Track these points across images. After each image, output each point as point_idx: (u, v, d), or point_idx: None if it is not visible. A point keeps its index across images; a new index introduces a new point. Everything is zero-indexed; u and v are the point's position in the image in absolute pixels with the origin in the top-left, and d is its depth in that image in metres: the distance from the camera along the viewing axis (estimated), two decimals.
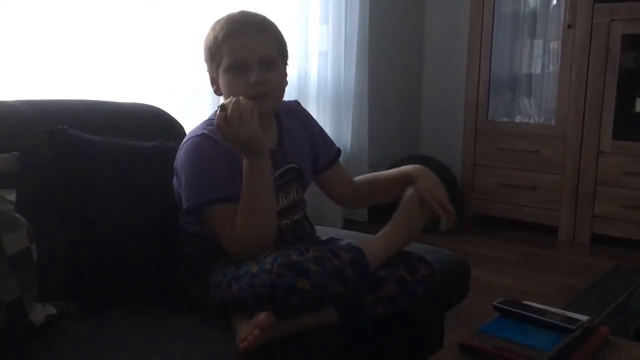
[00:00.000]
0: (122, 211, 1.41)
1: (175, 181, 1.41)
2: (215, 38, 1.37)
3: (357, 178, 1.63)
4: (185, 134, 1.74)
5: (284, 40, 1.44)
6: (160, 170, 1.49)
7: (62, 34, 2.15)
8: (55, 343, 1.15)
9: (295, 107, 1.57)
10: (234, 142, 1.25)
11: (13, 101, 1.46)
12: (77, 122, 1.47)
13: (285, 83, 1.45)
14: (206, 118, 1.46)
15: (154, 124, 1.67)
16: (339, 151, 1.61)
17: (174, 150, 1.53)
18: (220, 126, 1.23)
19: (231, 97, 1.25)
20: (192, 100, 2.59)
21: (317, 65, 3.29)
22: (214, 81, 1.43)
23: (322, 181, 1.60)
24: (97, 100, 1.65)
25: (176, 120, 1.76)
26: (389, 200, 1.54)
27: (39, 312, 1.17)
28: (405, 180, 1.48)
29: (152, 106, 1.75)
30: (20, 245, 1.13)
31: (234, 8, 1.43)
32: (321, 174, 1.58)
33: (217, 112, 1.26)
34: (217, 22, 1.40)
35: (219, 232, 1.32)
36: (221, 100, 1.38)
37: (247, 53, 1.35)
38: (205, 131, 1.36)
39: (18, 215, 1.15)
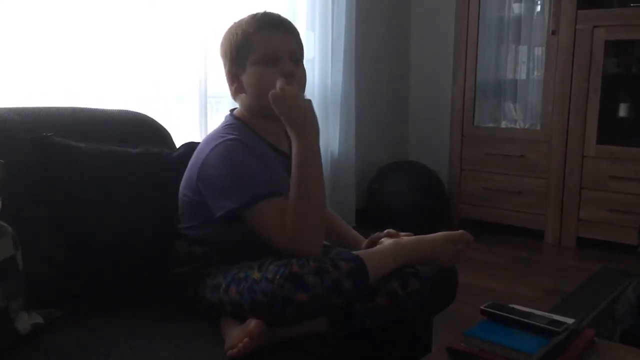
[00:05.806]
0: (108, 217, 1.41)
1: (184, 188, 1.39)
2: (245, 32, 1.38)
3: None
4: (172, 141, 1.74)
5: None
6: (146, 176, 1.48)
7: (47, 41, 2.14)
8: (41, 351, 1.14)
9: None
10: (287, 112, 1.29)
11: None
12: (63, 129, 1.47)
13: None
14: (219, 124, 1.45)
15: (140, 131, 1.67)
16: None
17: (160, 156, 1.53)
18: (282, 92, 1.28)
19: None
20: (178, 107, 2.58)
21: None
22: (234, 79, 1.42)
23: None
24: (83, 107, 1.64)
25: (162, 127, 1.76)
26: None
27: (25, 321, 1.16)
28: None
29: (138, 113, 1.75)
30: (6, 253, 1.12)
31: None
32: None
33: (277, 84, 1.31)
34: (245, 20, 1.41)
35: (272, 228, 1.30)
36: (230, 103, 1.37)
37: (279, 45, 1.38)
38: (234, 135, 1.35)
39: (3, 223, 1.14)
